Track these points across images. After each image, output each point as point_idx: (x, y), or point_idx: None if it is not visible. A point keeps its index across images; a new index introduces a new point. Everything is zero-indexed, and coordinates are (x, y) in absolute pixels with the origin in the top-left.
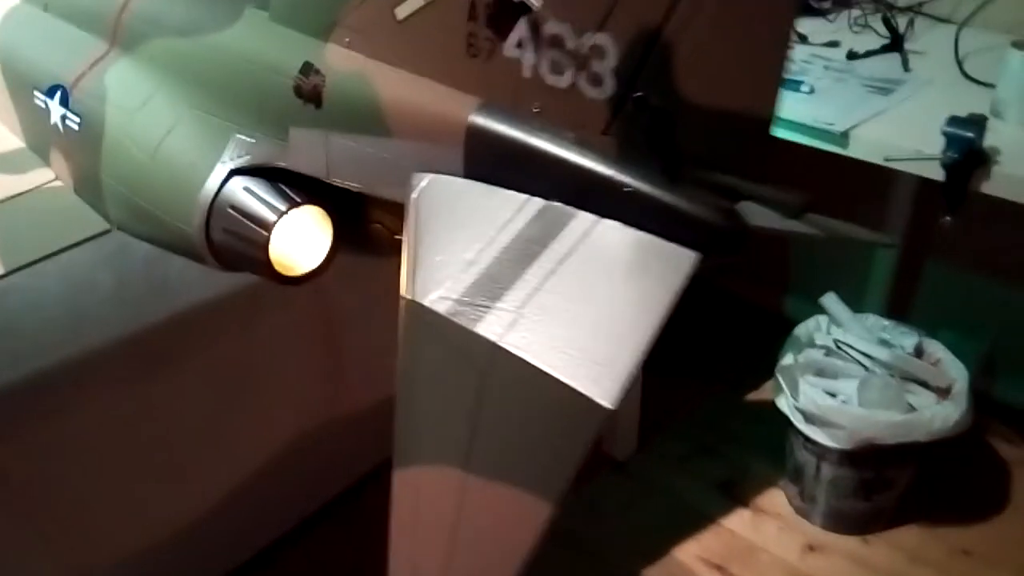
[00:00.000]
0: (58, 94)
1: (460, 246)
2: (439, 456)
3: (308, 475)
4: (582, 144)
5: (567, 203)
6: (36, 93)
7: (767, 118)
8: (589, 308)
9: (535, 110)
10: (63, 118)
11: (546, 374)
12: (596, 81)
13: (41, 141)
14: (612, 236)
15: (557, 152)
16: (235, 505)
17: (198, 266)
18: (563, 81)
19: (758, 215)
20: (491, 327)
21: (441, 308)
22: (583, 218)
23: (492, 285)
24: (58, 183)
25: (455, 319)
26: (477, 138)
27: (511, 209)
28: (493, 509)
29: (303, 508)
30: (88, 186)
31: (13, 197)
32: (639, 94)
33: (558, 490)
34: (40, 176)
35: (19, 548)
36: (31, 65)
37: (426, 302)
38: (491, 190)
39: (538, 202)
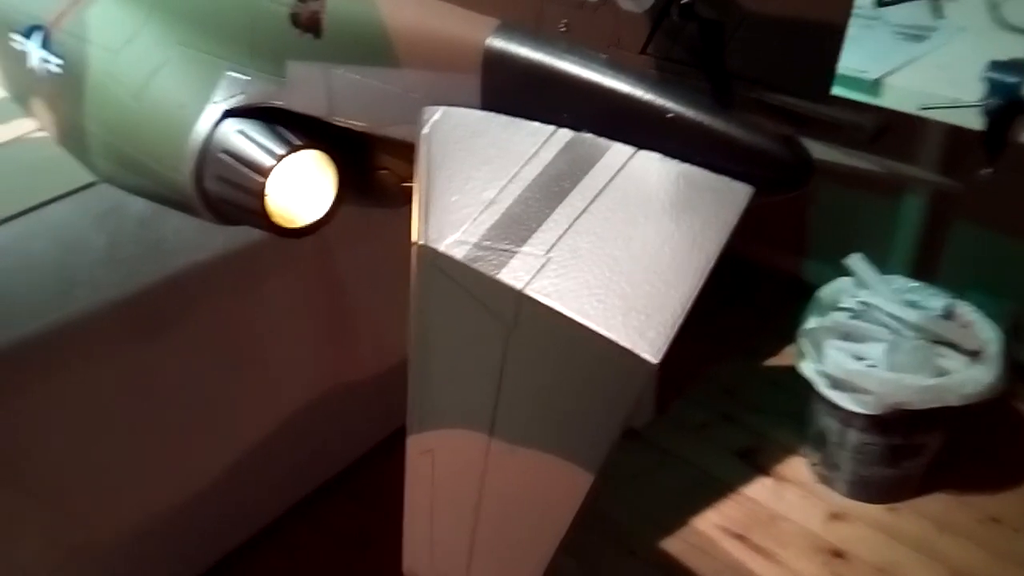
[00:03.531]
0: (38, 35)
1: (478, 184)
2: (459, 419)
3: (315, 446)
4: (616, 66)
5: (600, 134)
6: (14, 36)
7: (841, 25)
8: (628, 250)
9: (562, 29)
10: (43, 61)
11: (580, 325)
12: None
13: (22, 88)
14: (652, 169)
15: (587, 76)
16: (238, 478)
17: (195, 225)
18: None
19: (817, 147)
20: (516, 274)
21: (458, 254)
22: (618, 150)
23: (516, 227)
24: (41, 133)
25: (474, 266)
26: (496, 64)
27: (535, 142)
28: (523, 479)
29: (309, 481)
30: (72, 135)
31: None
32: (686, 1)
33: (598, 457)
34: (22, 126)
35: (8, 525)
36: (9, 5)
37: (441, 248)
38: (512, 122)
39: (566, 133)
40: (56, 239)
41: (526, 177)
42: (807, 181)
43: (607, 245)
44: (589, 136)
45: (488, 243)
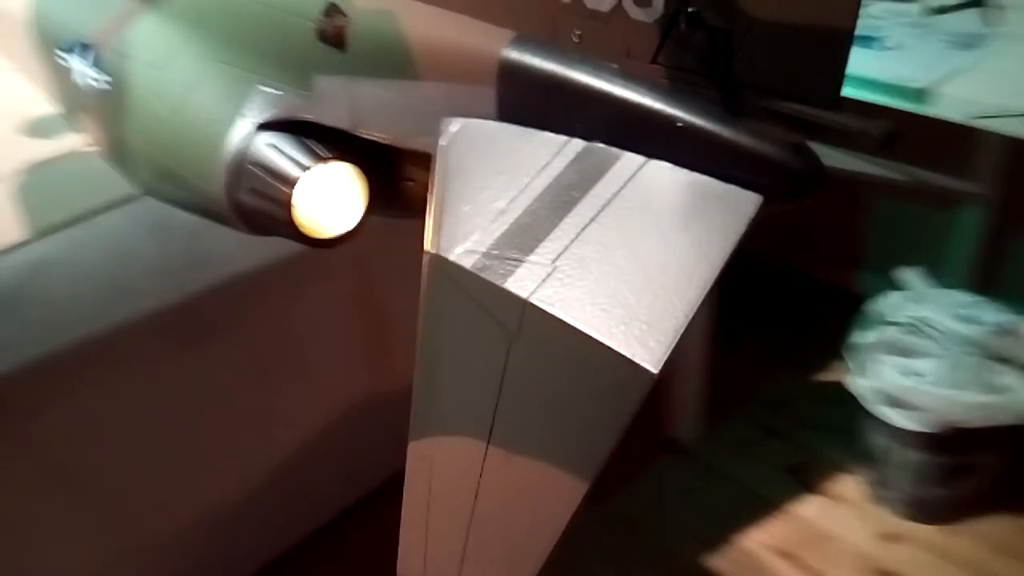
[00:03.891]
0: (85, 53)
1: (491, 194)
2: (459, 426)
3: (354, 455)
4: (627, 76)
5: (611, 143)
6: (64, 54)
7: (848, 30)
8: (634, 259)
9: (575, 40)
10: (90, 78)
11: (581, 333)
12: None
13: (71, 104)
14: (661, 178)
15: (599, 86)
16: (282, 484)
17: (238, 237)
18: (605, 3)
19: (831, 155)
20: (522, 282)
21: (467, 263)
22: (628, 159)
23: (524, 236)
24: (88, 148)
25: (483, 274)
26: (511, 75)
27: (548, 152)
28: (517, 487)
29: (359, 486)
30: (116, 149)
31: (43, 163)
32: (692, 10)
33: (594, 466)
34: (71, 141)
35: (55, 527)
36: (60, 25)
37: (451, 256)
38: (526, 132)
39: (578, 143)
40: (106, 249)
41: (537, 187)
42: (817, 189)
43: (613, 254)
44: (601, 146)
45: (497, 252)
